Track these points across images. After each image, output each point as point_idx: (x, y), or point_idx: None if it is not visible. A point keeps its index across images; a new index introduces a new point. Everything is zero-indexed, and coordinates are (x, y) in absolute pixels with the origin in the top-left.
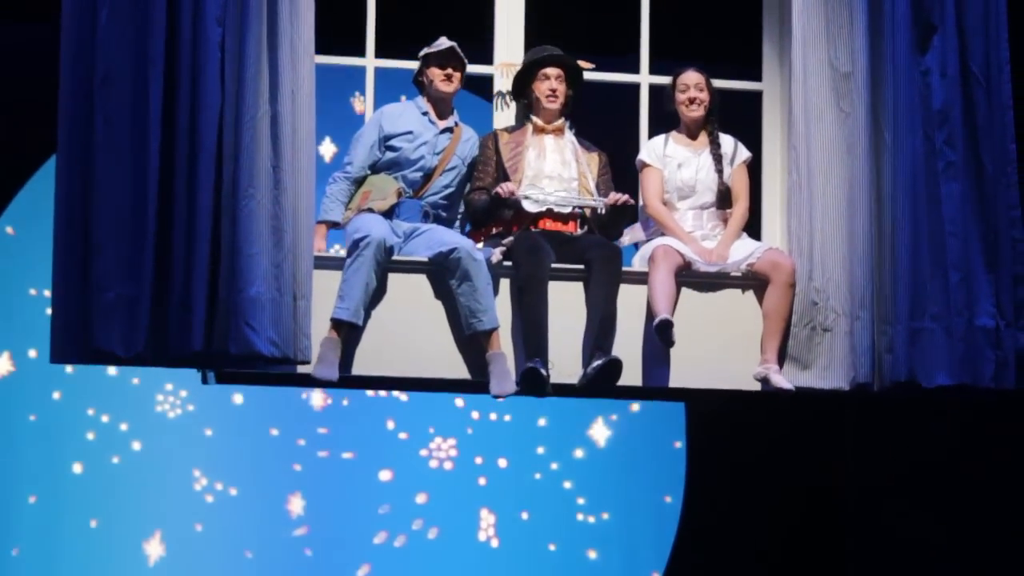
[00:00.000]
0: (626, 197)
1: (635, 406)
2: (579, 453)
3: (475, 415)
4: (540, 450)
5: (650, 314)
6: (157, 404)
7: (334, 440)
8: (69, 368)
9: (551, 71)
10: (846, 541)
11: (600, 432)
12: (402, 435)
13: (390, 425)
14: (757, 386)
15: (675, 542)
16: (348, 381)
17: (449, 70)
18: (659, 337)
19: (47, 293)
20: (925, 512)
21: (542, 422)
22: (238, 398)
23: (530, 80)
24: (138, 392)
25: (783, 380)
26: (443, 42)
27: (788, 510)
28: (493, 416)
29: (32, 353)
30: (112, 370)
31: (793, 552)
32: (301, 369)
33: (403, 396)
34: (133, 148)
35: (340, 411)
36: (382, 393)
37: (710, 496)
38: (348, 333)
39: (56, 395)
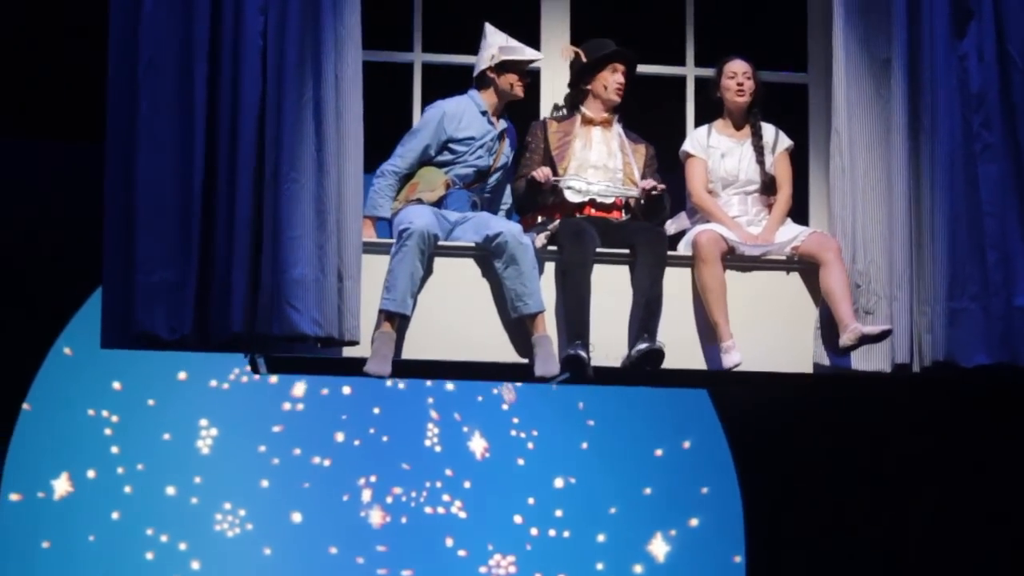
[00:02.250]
0: (657, 184)
1: (694, 520)
2: (638, 569)
3: (534, 531)
4: (599, 566)
5: (698, 308)
6: (215, 523)
7: (393, 558)
8: (127, 488)
9: (619, 65)
10: None
11: (659, 547)
12: (461, 552)
13: (448, 542)
14: (802, 368)
15: None
16: (395, 368)
17: (527, 77)
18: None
19: (105, 414)
20: None
21: (601, 538)
22: (296, 516)
23: (595, 71)
24: (196, 511)
25: (875, 327)
26: (527, 50)
27: None
28: (552, 532)
29: (91, 474)
30: (171, 489)
31: None
32: (349, 352)
33: (462, 513)
34: (177, 134)
35: (399, 528)
36: (440, 510)
37: None
38: (400, 323)
39: (115, 515)
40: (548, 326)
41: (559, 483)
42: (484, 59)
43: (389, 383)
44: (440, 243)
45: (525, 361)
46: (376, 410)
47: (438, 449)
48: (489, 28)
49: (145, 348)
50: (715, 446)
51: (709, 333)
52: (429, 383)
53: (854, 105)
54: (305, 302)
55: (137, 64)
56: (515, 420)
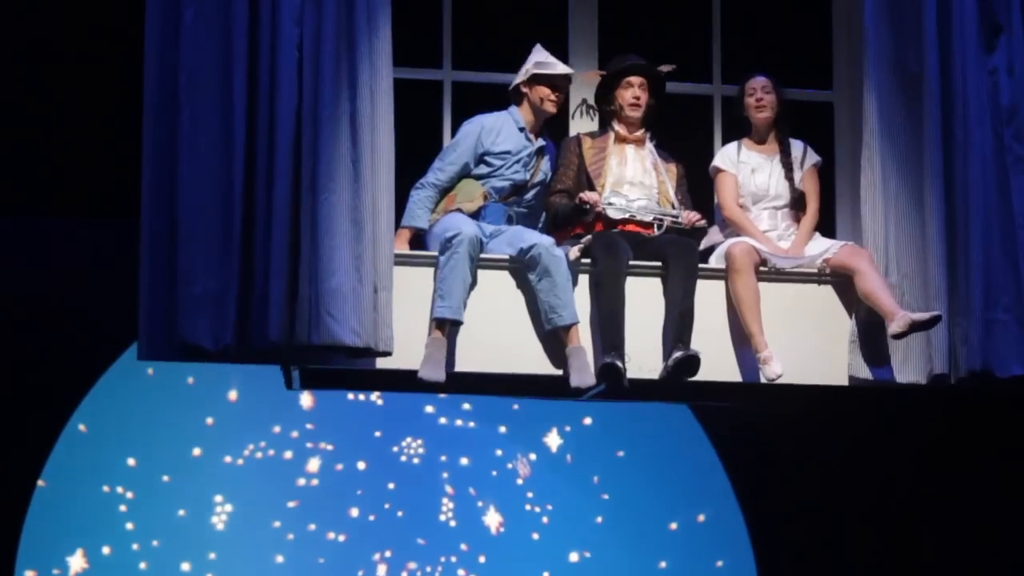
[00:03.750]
0: (702, 219)
1: None
2: None
3: None
4: None
5: (732, 321)
6: None
7: None
8: (143, 564)
9: (635, 79)
10: None
11: None
12: None
13: None
14: (836, 381)
15: None
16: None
17: (560, 93)
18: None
19: (120, 490)
20: None
21: None
22: None
23: (613, 88)
24: None
25: (924, 314)
26: (558, 65)
27: None
28: None
29: (106, 550)
30: (186, 566)
31: None
32: (383, 365)
33: None
34: (217, 145)
35: None
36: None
37: None
38: (451, 331)
39: None
40: (583, 338)
41: (574, 557)
42: (520, 75)
43: (404, 458)
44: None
45: (560, 373)
46: (391, 485)
47: (453, 524)
48: (536, 48)
49: (187, 359)
50: (730, 519)
51: (743, 345)
52: (444, 458)
53: (885, 119)
54: (343, 311)
55: (178, 77)
56: (529, 494)
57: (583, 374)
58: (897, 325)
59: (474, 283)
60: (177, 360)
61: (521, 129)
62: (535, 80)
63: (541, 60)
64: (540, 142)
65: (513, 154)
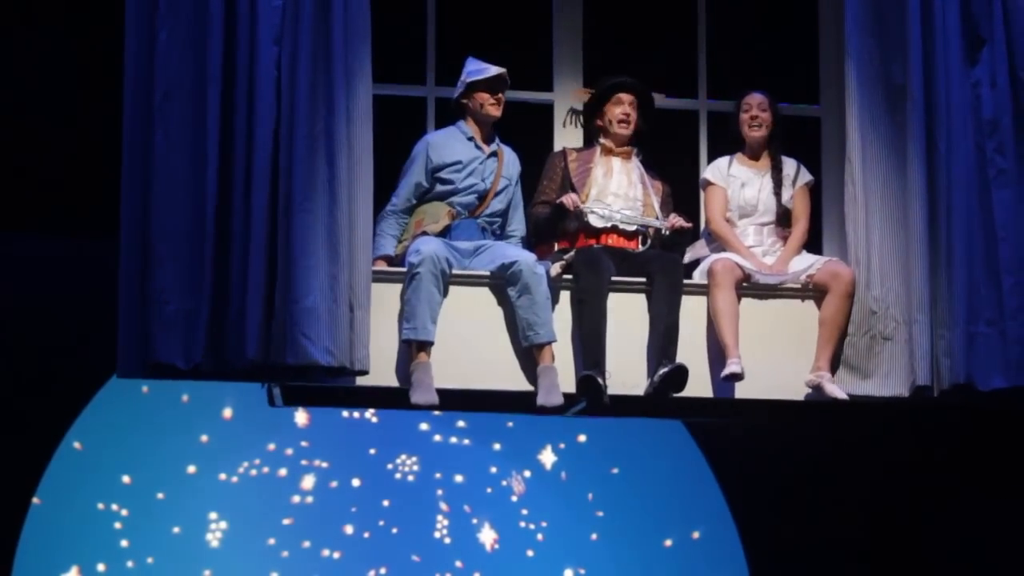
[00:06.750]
0: (685, 223)
1: None
2: None
3: None
4: None
5: (714, 337)
6: None
7: None
8: None
9: (626, 96)
10: None
11: None
12: None
13: None
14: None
15: None
16: (403, 399)
17: (500, 95)
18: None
19: (115, 507)
20: None
21: None
22: None
23: (604, 103)
24: None
25: (836, 389)
26: (490, 68)
27: None
28: None
29: (101, 567)
30: None
31: None
32: (363, 382)
33: None
34: (191, 163)
35: None
36: None
37: None
38: (431, 351)
39: None
40: (565, 355)
41: (569, 574)
42: (457, 89)
43: (398, 476)
44: (455, 272)
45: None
46: (385, 503)
47: (448, 541)
48: (467, 60)
49: (161, 378)
50: (725, 536)
51: (723, 361)
52: (438, 475)
53: (868, 132)
54: (318, 331)
55: (153, 94)
56: (524, 511)
57: (551, 394)
58: (810, 380)
59: (444, 298)
60: (151, 378)
61: (470, 139)
62: (472, 89)
63: (473, 69)
64: (494, 147)
65: (464, 164)
